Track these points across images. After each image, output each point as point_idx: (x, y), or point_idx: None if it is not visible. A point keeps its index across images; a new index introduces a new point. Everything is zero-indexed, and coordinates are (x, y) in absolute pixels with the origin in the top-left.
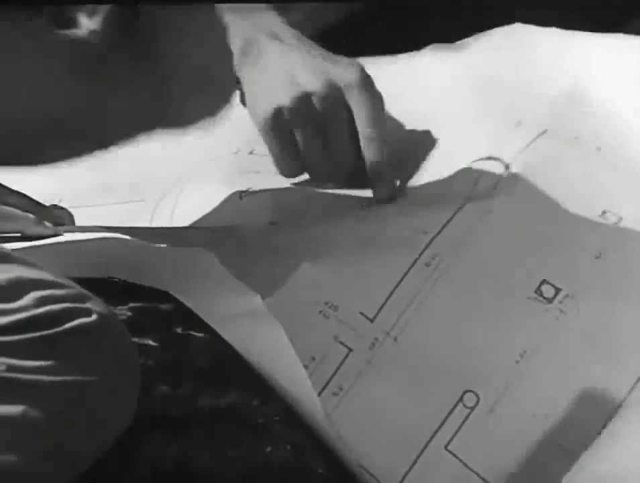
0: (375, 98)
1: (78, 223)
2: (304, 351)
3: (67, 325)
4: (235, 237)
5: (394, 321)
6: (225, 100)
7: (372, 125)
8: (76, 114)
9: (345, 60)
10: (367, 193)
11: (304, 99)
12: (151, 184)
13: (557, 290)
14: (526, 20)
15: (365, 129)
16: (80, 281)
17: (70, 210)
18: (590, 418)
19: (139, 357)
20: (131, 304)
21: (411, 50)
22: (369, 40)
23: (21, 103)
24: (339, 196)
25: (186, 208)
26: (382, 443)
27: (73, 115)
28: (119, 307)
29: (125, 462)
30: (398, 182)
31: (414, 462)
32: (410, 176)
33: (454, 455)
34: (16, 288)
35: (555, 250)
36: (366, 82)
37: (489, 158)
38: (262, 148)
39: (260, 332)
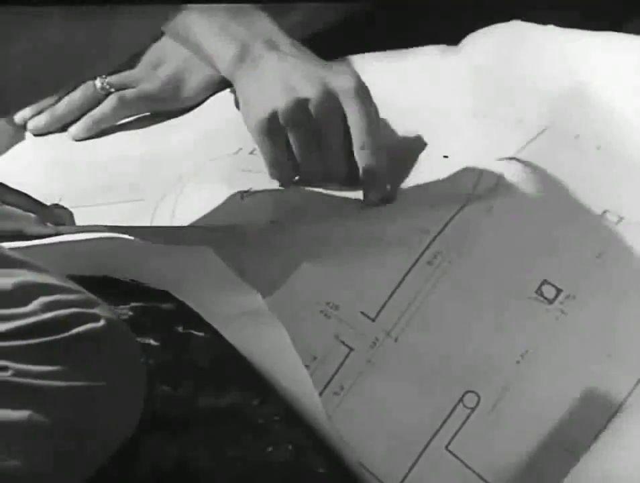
0: (370, 106)
1: (78, 222)
2: (305, 351)
3: (74, 331)
4: (235, 236)
5: (395, 321)
6: None
7: (367, 132)
8: None
9: (341, 67)
10: None
11: (300, 104)
12: (151, 184)
13: (558, 291)
14: (526, 20)
15: (359, 136)
16: (81, 280)
17: (70, 209)
18: (590, 418)
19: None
20: (132, 304)
21: None
22: (369, 40)
23: None
24: (339, 196)
25: (186, 208)
26: (383, 442)
27: None
28: (120, 307)
29: (125, 462)
30: (389, 187)
31: (415, 462)
32: (402, 181)
33: (455, 456)
34: (24, 293)
35: (555, 250)
36: (362, 90)
37: (490, 157)
38: None
39: (261, 331)
